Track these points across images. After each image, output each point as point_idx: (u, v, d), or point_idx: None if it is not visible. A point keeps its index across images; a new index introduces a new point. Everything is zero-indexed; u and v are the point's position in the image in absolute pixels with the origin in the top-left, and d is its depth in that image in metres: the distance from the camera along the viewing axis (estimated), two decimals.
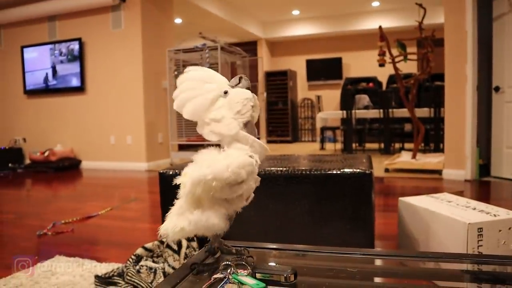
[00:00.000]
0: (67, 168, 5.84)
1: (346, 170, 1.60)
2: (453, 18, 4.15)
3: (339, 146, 7.57)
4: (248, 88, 0.76)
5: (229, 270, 0.71)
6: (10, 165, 6.01)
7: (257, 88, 8.98)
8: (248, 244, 0.86)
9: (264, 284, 0.68)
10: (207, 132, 0.75)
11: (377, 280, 0.87)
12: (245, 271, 0.71)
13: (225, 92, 0.74)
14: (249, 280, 0.68)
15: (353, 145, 7.11)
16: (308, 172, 1.64)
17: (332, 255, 0.88)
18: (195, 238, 1.82)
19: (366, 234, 1.58)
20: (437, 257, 0.92)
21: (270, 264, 0.75)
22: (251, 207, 1.74)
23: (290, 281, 0.70)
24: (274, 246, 0.91)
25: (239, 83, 0.76)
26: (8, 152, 6.23)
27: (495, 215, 1.54)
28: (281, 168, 1.69)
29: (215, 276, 0.70)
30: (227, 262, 0.74)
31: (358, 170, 1.58)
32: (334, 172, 1.61)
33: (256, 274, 0.71)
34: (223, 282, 0.68)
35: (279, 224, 1.70)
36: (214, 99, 0.74)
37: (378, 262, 0.95)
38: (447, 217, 1.58)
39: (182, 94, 0.75)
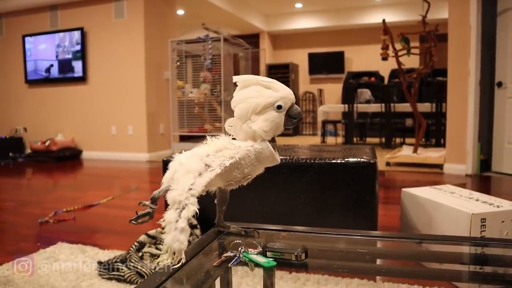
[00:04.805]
0: (68, 158, 5.84)
1: (351, 159, 1.60)
2: (457, 12, 4.14)
3: (340, 139, 7.57)
4: (296, 118, 0.77)
5: (239, 249, 0.71)
6: (10, 154, 6.00)
7: None
8: (256, 226, 0.86)
9: (275, 263, 0.68)
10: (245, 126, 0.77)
11: (386, 261, 0.87)
12: (256, 250, 0.71)
13: (278, 107, 0.75)
14: (260, 259, 0.68)
15: (354, 139, 7.11)
16: (312, 161, 1.64)
17: (340, 237, 0.89)
18: (198, 226, 1.82)
19: (369, 223, 1.59)
20: (443, 240, 0.92)
21: (280, 243, 0.75)
22: (254, 196, 1.75)
23: (301, 260, 0.71)
24: (282, 228, 0.91)
25: (295, 119, 0.77)
26: (8, 141, 6.22)
27: (498, 206, 1.54)
28: (285, 157, 1.69)
29: (225, 254, 0.71)
30: (238, 241, 0.74)
31: (362, 160, 1.59)
32: (339, 161, 1.61)
33: (267, 252, 0.72)
34: (234, 260, 0.69)
35: (283, 213, 1.70)
36: (267, 106, 0.75)
37: (382, 244, 0.95)
38: (451, 207, 1.58)
39: (243, 97, 0.77)
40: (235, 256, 0.70)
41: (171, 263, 0.64)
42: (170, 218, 0.65)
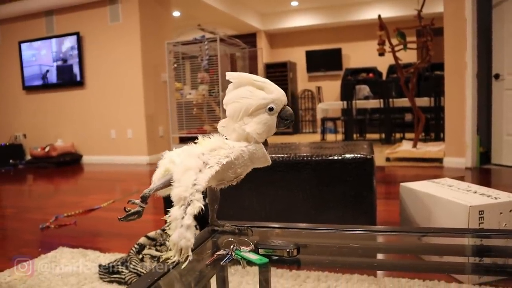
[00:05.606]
0: (68, 163, 5.84)
1: (347, 155, 1.60)
2: (452, 6, 4.13)
3: (340, 136, 7.57)
4: (288, 120, 0.77)
5: (231, 246, 0.71)
6: (11, 161, 6.01)
7: None
8: (250, 224, 0.87)
9: (267, 260, 0.68)
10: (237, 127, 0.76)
11: (386, 256, 0.87)
12: (248, 247, 0.72)
13: (270, 109, 0.75)
14: (252, 256, 0.68)
15: (354, 135, 7.11)
16: (309, 158, 1.64)
17: (334, 232, 0.89)
18: (197, 227, 1.83)
19: (367, 218, 1.59)
20: (442, 232, 0.92)
21: (272, 240, 0.75)
22: (252, 195, 1.76)
23: (293, 256, 0.71)
24: (276, 225, 0.91)
25: (287, 120, 0.77)
26: (8, 148, 6.23)
27: (496, 198, 1.54)
28: (282, 155, 1.69)
29: (218, 253, 0.71)
30: (230, 239, 0.74)
31: (359, 155, 1.59)
32: (336, 157, 1.61)
33: (259, 250, 0.72)
34: (225, 258, 0.69)
35: (281, 210, 1.70)
36: (259, 107, 0.75)
37: (380, 239, 0.96)
38: (449, 200, 1.58)
39: (235, 97, 0.77)
40: (227, 254, 0.70)
41: (178, 260, 0.64)
42: (175, 215, 0.65)
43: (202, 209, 0.65)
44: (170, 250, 0.66)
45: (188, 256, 0.64)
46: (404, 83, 4.89)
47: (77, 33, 5.91)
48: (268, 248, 0.71)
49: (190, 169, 0.69)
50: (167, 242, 1.82)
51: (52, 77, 6.18)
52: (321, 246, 0.88)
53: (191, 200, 0.65)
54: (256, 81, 0.76)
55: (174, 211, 0.65)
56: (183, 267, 0.64)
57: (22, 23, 6.34)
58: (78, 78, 5.99)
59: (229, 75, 0.77)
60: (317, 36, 9.82)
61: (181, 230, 0.64)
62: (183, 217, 0.64)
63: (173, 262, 0.65)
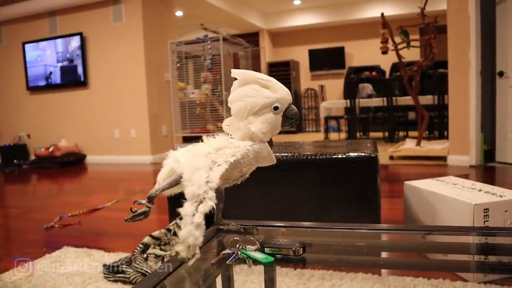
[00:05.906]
0: (72, 163, 5.86)
1: (352, 154, 1.60)
2: (455, 3, 4.12)
3: (343, 135, 7.56)
4: (292, 120, 0.78)
5: (237, 245, 0.71)
6: (15, 161, 6.04)
7: None
8: (255, 223, 0.87)
9: (272, 258, 0.69)
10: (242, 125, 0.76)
11: (390, 254, 0.87)
12: (254, 246, 0.72)
13: (275, 108, 0.75)
14: (258, 255, 0.68)
15: (357, 134, 7.10)
16: (313, 157, 1.64)
17: (339, 230, 0.89)
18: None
19: (372, 216, 1.59)
20: (447, 231, 0.92)
21: (278, 239, 0.75)
22: (257, 193, 1.76)
23: (299, 255, 0.71)
24: (281, 224, 0.91)
25: (292, 119, 0.78)
26: (13, 148, 6.26)
27: (500, 196, 1.54)
28: (286, 154, 1.69)
29: (224, 252, 0.71)
30: (236, 238, 0.74)
31: (363, 154, 1.58)
32: (340, 156, 1.61)
33: (265, 249, 0.72)
34: (231, 257, 0.69)
35: (286, 209, 1.70)
36: (264, 106, 0.75)
37: (385, 237, 0.95)
38: (453, 198, 1.57)
39: (240, 95, 0.77)
40: (233, 253, 0.70)
41: (186, 258, 0.64)
42: (187, 211, 0.65)
43: (213, 207, 0.65)
44: (180, 244, 0.66)
45: (195, 253, 0.64)
46: (408, 81, 4.88)
47: (80, 34, 5.93)
48: (274, 247, 0.71)
49: (200, 168, 0.69)
50: (171, 242, 1.82)
51: (56, 78, 6.20)
52: (325, 245, 0.88)
53: (203, 198, 0.65)
54: (261, 79, 0.76)
55: (187, 207, 0.65)
56: (190, 263, 0.64)
57: (25, 24, 6.36)
58: (82, 78, 6.00)
59: (235, 72, 0.77)
60: (319, 35, 9.81)
61: (190, 227, 0.64)
62: (194, 214, 0.64)
63: (181, 257, 0.65)
